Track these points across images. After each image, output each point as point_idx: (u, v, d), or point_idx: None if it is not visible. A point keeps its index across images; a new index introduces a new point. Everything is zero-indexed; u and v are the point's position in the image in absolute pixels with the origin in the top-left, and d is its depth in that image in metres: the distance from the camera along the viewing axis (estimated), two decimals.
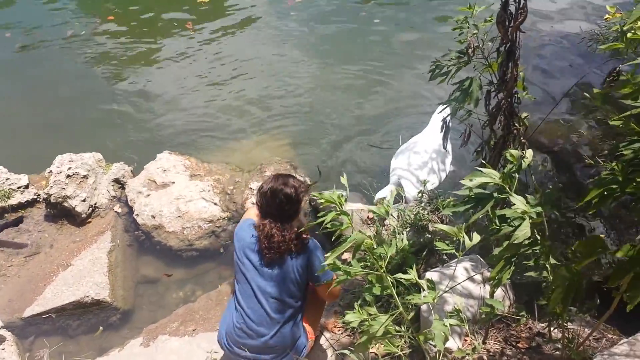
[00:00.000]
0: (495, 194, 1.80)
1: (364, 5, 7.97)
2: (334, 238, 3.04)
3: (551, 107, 4.03)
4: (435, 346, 2.04)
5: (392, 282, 2.08)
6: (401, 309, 2.00)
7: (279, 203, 2.82)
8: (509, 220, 1.76)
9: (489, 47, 3.24)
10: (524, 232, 1.65)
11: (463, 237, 1.85)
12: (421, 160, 4.57)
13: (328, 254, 2.04)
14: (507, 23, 2.96)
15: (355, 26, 7.51)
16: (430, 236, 3.74)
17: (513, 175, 1.81)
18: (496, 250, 1.82)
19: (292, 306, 2.91)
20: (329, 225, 2.02)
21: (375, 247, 1.99)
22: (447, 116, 3.60)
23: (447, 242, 2.20)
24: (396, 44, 7.07)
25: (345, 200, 2.01)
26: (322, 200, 2.00)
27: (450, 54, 3.29)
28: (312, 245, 2.92)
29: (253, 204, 4.51)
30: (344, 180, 2.14)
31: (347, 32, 7.40)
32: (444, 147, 3.77)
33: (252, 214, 3.13)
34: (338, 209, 1.94)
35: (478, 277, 3.01)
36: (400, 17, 7.68)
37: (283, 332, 2.90)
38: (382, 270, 1.96)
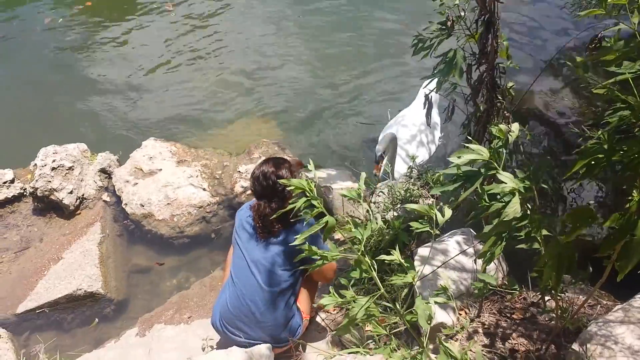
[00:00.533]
0: (484, 171, 1.78)
1: None
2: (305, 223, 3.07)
3: (535, 74, 3.99)
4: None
5: (380, 262, 2.07)
6: (382, 290, 1.99)
7: (271, 185, 2.90)
8: (498, 197, 1.75)
9: (472, 18, 3.19)
10: (513, 209, 1.63)
11: (435, 215, 1.85)
12: (410, 133, 4.54)
13: (298, 236, 2.04)
14: None
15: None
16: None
17: (500, 150, 1.79)
18: (487, 228, 1.80)
19: (285, 280, 2.94)
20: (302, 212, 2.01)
21: (352, 229, 1.97)
22: (430, 91, 3.56)
23: (420, 220, 2.18)
24: (383, 17, 6.97)
25: (315, 186, 1.99)
26: (292, 187, 1.97)
27: (432, 27, 3.23)
28: (310, 221, 2.94)
29: (242, 187, 4.51)
30: (311, 166, 2.12)
31: (331, 7, 7.28)
32: (428, 124, 3.75)
33: None
34: (308, 195, 1.92)
35: (471, 250, 3.01)
36: None
37: (275, 308, 2.92)
38: (359, 253, 1.95)
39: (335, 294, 2.15)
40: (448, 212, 1.95)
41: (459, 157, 1.71)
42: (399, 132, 4.56)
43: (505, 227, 1.74)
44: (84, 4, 7.83)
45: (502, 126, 1.87)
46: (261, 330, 2.93)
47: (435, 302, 2.15)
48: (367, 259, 1.96)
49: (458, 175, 1.78)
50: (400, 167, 4.33)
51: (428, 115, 3.68)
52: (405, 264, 1.98)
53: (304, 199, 1.91)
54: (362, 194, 2.04)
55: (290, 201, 2.04)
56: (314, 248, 2.04)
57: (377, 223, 2.00)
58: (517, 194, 1.66)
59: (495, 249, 1.81)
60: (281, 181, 2.12)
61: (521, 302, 2.96)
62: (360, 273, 1.96)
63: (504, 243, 1.81)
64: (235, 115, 5.72)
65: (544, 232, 1.96)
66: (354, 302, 2.00)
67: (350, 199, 2.05)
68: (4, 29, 7.46)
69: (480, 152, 1.71)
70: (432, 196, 3.94)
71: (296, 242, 2.03)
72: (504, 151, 1.79)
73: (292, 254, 2.90)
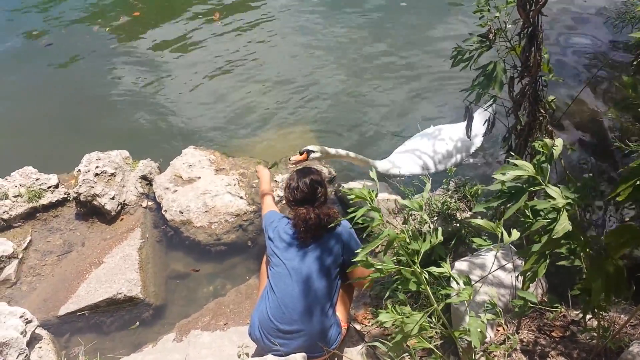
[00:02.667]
0: (526, 186, 1.76)
1: None
2: (365, 234, 3.06)
3: (577, 88, 3.93)
4: (468, 338, 2.02)
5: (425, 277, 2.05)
6: (435, 305, 1.98)
7: (311, 190, 3.08)
8: (541, 213, 1.72)
9: (512, 30, 3.17)
10: (563, 225, 1.61)
11: (502, 233, 1.81)
12: (445, 149, 4.57)
13: (359, 250, 2.05)
14: (528, 6, 2.88)
15: (381, 10, 7.42)
16: (458, 225, 3.70)
17: (544, 166, 1.77)
18: (536, 247, 1.76)
19: (324, 287, 2.98)
20: (360, 221, 2.02)
21: (408, 242, 1.96)
22: (470, 103, 3.54)
23: (484, 237, 2.16)
24: (423, 28, 6.97)
25: (376, 195, 1.99)
26: (353, 196, 1.99)
27: (472, 39, 3.23)
28: (345, 225, 3.08)
29: (279, 196, 4.55)
30: (372, 174, 2.12)
31: (373, 18, 7.31)
32: (468, 136, 3.73)
33: (271, 206, 3.51)
34: (369, 205, 1.93)
35: (509, 265, 2.97)
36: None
37: (312, 316, 2.95)
38: (416, 266, 1.94)
39: (393, 310, 2.13)
40: (515, 234, 1.88)
41: (503, 174, 1.69)
42: (435, 145, 4.60)
43: (554, 245, 1.72)
44: (132, 13, 8.05)
45: (547, 140, 1.85)
46: (302, 338, 2.95)
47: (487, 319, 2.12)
48: (423, 272, 1.95)
49: (502, 191, 1.76)
50: (383, 165, 4.58)
51: (468, 127, 3.66)
52: (464, 280, 1.96)
53: (365, 208, 1.92)
54: (423, 205, 2.04)
55: (349, 210, 2.09)
56: (370, 260, 2.05)
57: (436, 237, 1.97)
58: (564, 210, 1.64)
59: (539, 268, 1.78)
60: (343, 190, 2.16)
61: (561, 319, 2.90)
62: (417, 287, 1.95)
63: (547, 261, 1.79)
64: (273, 124, 5.78)
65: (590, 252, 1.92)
66: (408, 317, 1.99)
67: (412, 209, 2.04)
68: (53, 36, 7.70)
69: (525, 167, 1.69)
70: (470, 209, 3.91)
71: (357, 259, 2.05)
72: (548, 166, 1.77)
73: (332, 259, 2.99)
